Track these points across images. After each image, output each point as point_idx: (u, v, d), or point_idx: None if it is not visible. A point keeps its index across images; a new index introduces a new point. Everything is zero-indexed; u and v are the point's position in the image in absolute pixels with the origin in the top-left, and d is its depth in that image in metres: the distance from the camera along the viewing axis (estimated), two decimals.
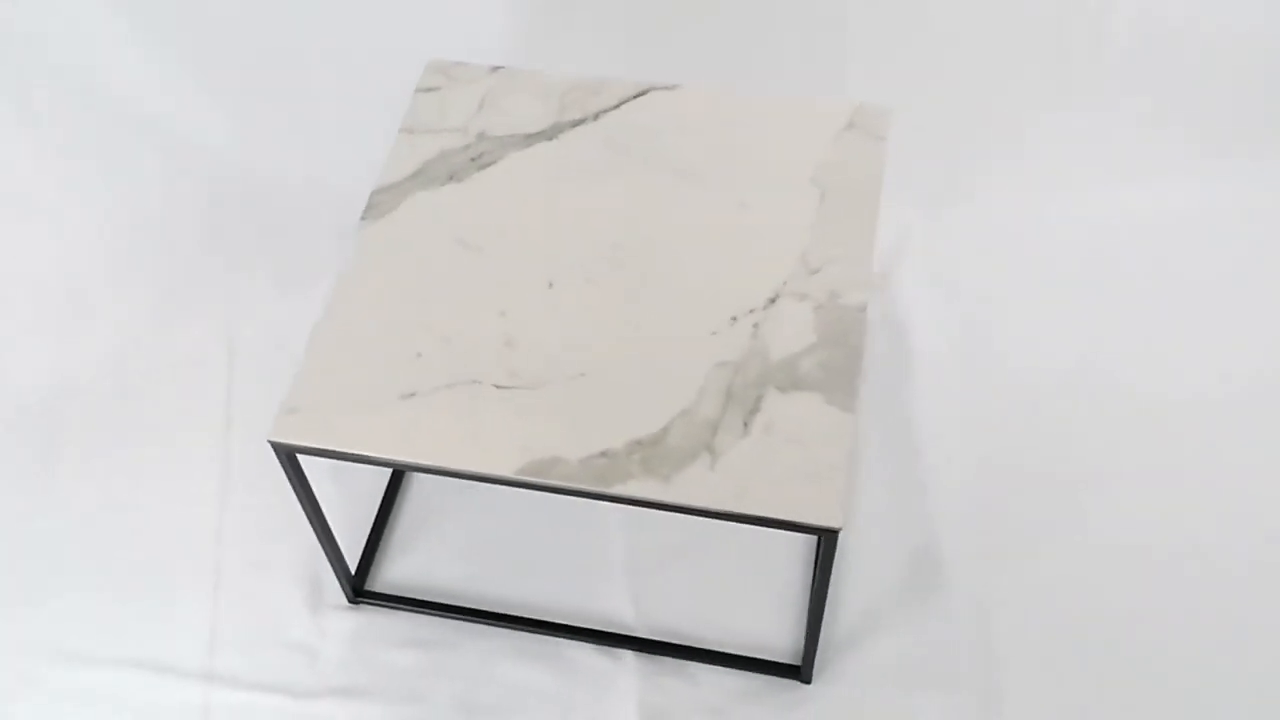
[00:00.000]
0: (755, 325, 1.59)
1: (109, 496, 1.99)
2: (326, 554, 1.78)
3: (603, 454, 1.49)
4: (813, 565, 1.88)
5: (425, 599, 1.87)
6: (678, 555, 1.90)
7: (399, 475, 2.00)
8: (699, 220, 1.69)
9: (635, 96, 1.84)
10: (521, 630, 1.84)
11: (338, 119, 2.14)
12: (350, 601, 1.88)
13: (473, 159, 1.78)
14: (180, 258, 2.18)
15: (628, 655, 1.81)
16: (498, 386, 1.55)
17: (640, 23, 2.16)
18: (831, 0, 2.19)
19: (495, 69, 1.88)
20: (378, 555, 1.93)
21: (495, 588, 1.88)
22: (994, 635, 1.80)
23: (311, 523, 1.70)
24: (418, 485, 2.00)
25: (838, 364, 1.55)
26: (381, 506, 1.96)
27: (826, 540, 1.46)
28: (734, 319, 1.60)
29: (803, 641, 1.77)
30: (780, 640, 1.81)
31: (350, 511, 1.94)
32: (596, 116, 1.82)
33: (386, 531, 1.95)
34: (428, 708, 1.77)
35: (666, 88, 1.85)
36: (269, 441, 1.52)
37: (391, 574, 1.91)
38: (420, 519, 1.96)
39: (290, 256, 2.16)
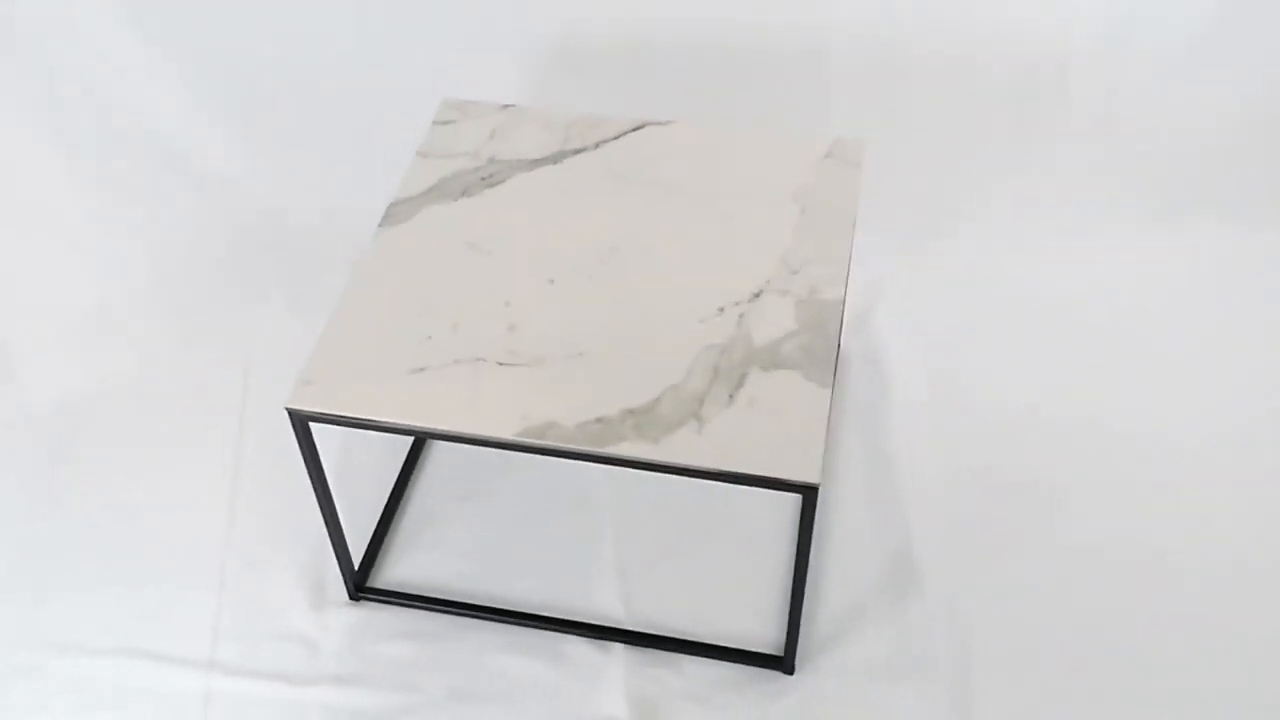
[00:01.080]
0: (741, 315, 1.72)
1: (123, 500, 2.08)
2: (331, 539, 1.86)
3: (597, 420, 1.60)
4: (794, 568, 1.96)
5: (424, 595, 1.94)
6: (667, 556, 1.98)
7: (404, 479, 2.10)
8: (689, 229, 1.84)
9: (633, 130, 2.01)
10: (515, 624, 1.91)
11: (355, 157, 2.31)
12: (351, 598, 1.95)
13: (483, 178, 1.94)
14: (202, 283, 2.32)
15: (617, 648, 1.88)
16: (500, 364, 1.67)
17: (639, 69, 2.35)
18: (816, 66, 2.39)
19: (505, 106, 2.06)
20: (380, 555, 2.01)
21: (492, 586, 1.96)
22: (967, 632, 1.88)
23: (319, 502, 1.80)
24: (421, 491, 2.10)
25: (816, 347, 1.68)
26: (385, 510, 2.05)
27: (806, 498, 1.56)
28: (721, 310, 1.73)
29: (796, 639, 1.84)
30: (765, 634, 1.88)
31: (354, 515, 2.03)
32: (597, 145, 1.99)
33: (390, 534, 2.04)
34: (422, 696, 1.83)
35: (661, 123, 2.02)
36: (285, 409, 1.63)
37: (392, 573, 1.98)
38: (422, 522, 2.05)
39: (305, 284, 2.31)
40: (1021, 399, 2.20)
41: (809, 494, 1.55)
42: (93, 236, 2.38)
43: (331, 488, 1.99)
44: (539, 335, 1.70)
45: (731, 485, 1.56)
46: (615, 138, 2.00)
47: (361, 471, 2.11)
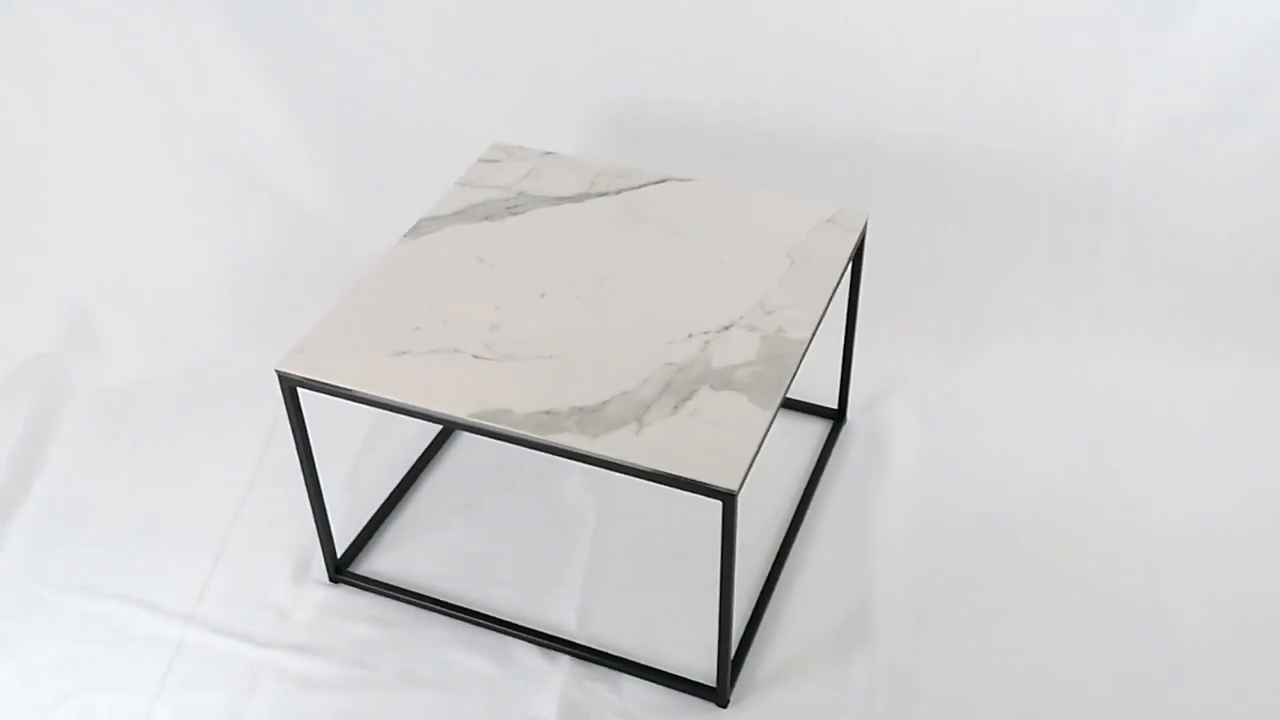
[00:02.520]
0: (706, 342, 1.82)
1: (156, 472, 2.28)
2: (314, 515, 2.00)
3: (546, 412, 1.71)
4: (752, 607, 2.00)
5: (397, 586, 2.05)
6: (635, 582, 2.05)
7: (410, 478, 2.24)
8: (681, 268, 1.96)
9: (656, 183, 2.15)
10: (473, 623, 1.99)
11: (422, 194, 2.51)
12: (330, 579, 2.07)
13: (508, 207, 2.10)
14: (269, 295, 2.55)
15: (564, 659, 1.94)
16: (474, 356, 1.80)
17: (699, 145, 2.51)
18: (862, 158, 2.50)
19: (547, 153, 2.23)
20: (368, 545, 2.13)
21: (463, 588, 2.05)
22: (910, 695, 1.87)
23: (304, 474, 1.94)
24: (424, 493, 2.23)
25: (768, 376, 1.76)
26: (382, 507, 2.18)
27: (726, 505, 1.62)
28: (690, 336, 1.83)
29: (728, 665, 1.86)
30: (709, 666, 1.91)
31: (359, 502, 2.20)
32: (619, 192, 2.14)
33: (381, 529, 2.16)
34: (371, 674, 1.92)
35: (683, 180, 2.16)
36: (275, 370, 1.79)
37: (376, 563, 2.10)
38: (416, 523, 2.17)
39: None
40: (1016, 489, 2.20)
41: (728, 500, 1.61)
42: (187, 241, 2.64)
43: (347, 474, 2.19)
44: (517, 338, 1.83)
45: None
46: (637, 187, 2.14)
47: (378, 464, 2.27)
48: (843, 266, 1.97)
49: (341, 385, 1.77)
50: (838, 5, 2.37)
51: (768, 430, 1.69)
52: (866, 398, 2.38)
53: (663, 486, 1.64)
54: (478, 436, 2.34)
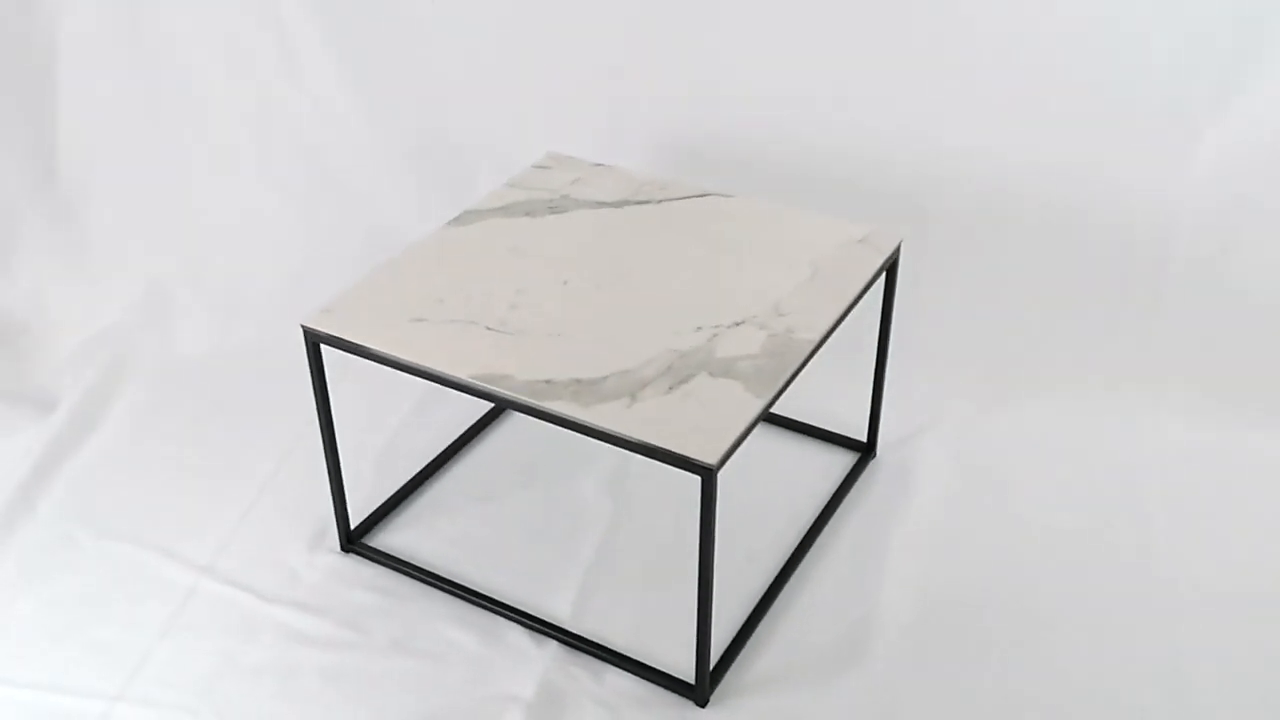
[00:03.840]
0: (714, 335, 1.84)
1: (203, 439, 2.39)
2: (330, 480, 2.06)
3: (545, 381, 1.75)
4: (748, 614, 1.98)
5: (404, 560, 2.09)
6: (637, 582, 2.06)
7: (433, 467, 2.30)
8: (703, 271, 1.99)
9: (697, 196, 2.21)
10: (471, 603, 2.02)
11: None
12: (342, 548, 2.13)
13: (550, 207, 2.18)
14: (330, 279, 2.66)
15: (553, 645, 1.95)
16: (488, 328, 1.86)
17: (744, 162, 2.56)
18: (917, 204, 2.51)
19: (598, 165, 2.31)
20: (385, 522, 2.19)
21: (468, 570, 2.08)
22: (899, 710, 1.82)
23: (323, 434, 2.01)
24: (452, 477, 2.28)
25: (768, 369, 1.77)
26: (406, 485, 2.24)
27: (705, 480, 1.63)
28: (699, 328, 1.86)
29: (710, 665, 1.85)
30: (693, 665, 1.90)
31: (379, 482, 2.26)
32: (659, 202, 2.19)
33: (402, 507, 2.22)
34: (364, 637, 1.96)
35: (725, 195, 2.21)
36: (300, 326, 1.88)
37: (389, 539, 2.15)
38: (433, 507, 2.22)
39: None
40: (1041, 539, 2.14)
41: (707, 476, 1.62)
42: (262, 226, 2.79)
43: (381, 450, 2.33)
44: (532, 317, 1.88)
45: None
46: (679, 198, 2.20)
47: (411, 446, 2.35)
48: (866, 281, 1.98)
49: (358, 342, 1.84)
50: (907, 46, 2.40)
51: (758, 418, 1.70)
52: (902, 434, 2.36)
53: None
54: (513, 430, 2.39)
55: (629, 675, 1.90)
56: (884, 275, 2.11)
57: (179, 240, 2.79)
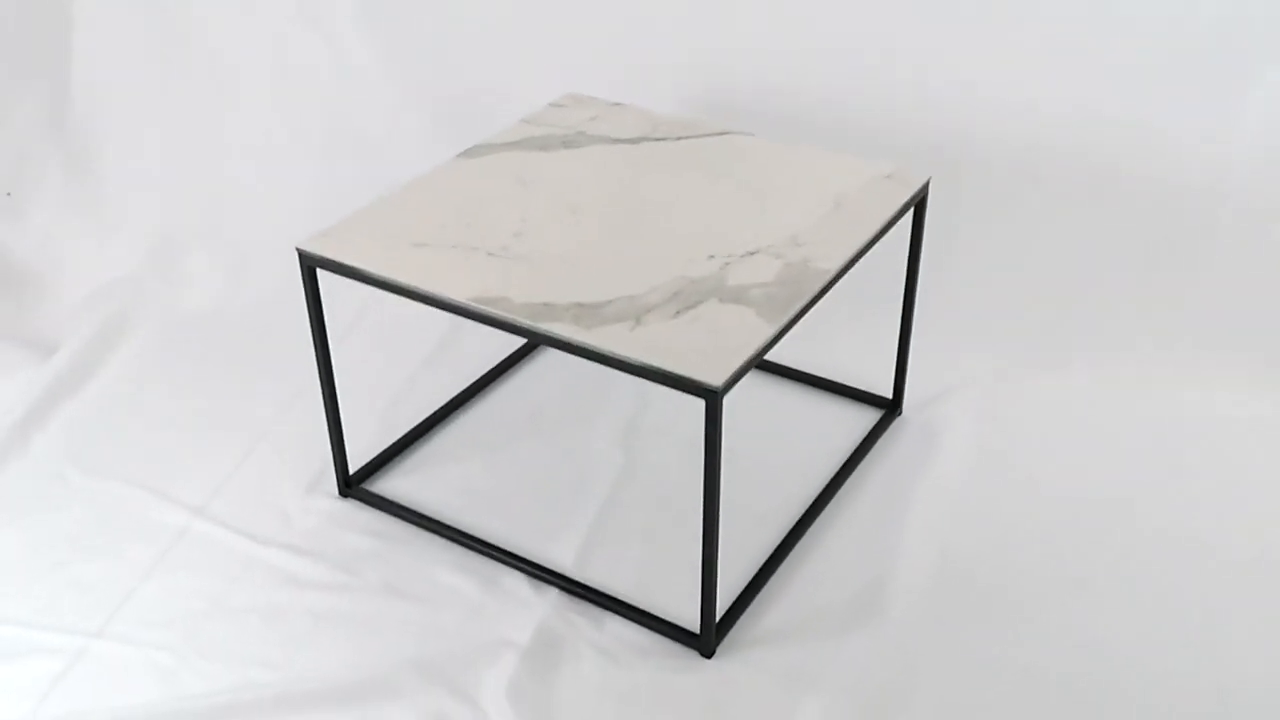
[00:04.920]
0: (726, 263, 1.74)
1: (207, 388, 2.31)
2: (328, 420, 1.98)
3: (545, 304, 1.66)
4: (759, 567, 1.87)
5: (403, 505, 2.00)
6: (643, 533, 1.96)
7: (442, 414, 2.21)
8: (722, 204, 1.89)
9: (716, 134, 2.11)
10: (470, 548, 1.92)
11: None
12: (340, 493, 2.04)
13: (564, 142, 2.09)
14: None
15: (553, 593, 1.85)
16: (489, 254, 1.77)
17: (776, 110, 2.46)
18: (956, 160, 2.39)
19: (616, 104, 2.22)
20: (389, 468, 2.10)
21: (471, 517, 1.98)
22: (908, 682, 1.71)
23: (319, 367, 1.93)
24: (462, 424, 2.20)
25: (780, 296, 1.67)
26: (410, 434, 2.16)
27: (709, 403, 1.53)
28: (712, 257, 1.76)
29: (715, 614, 1.74)
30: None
31: (385, 427, 2.18)
32: (679, 139, 2.09)
33: (405, 455, 2.13)
34: (356, 580, 1.87)
35: (746, 134, 2.11)
36: (295, 248, 1.80)
37: (391, 485, 2.06)
38: (440, 454, 2.14)
39: None
40: (1062, 494, 2.02)
41: (711, 399, 1.52)
42: (277, 181, 2.72)
43: (392, 396, 2.27)
44: (536, 243, 1.79)
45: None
46: (699, 136, 2.10)
47: (424, 392, 2.27)
48: (890, 215, 1.87)
49: (354, 265, 1.76)
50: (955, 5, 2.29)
51: (768, 344, 1.60)
52: (931, 394, 2.24)
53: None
54: (523, 381, 2.30)
55: (632, 624, 1.80)
56: (912, 217, 2.00)
57: (192, 193, 2.73)
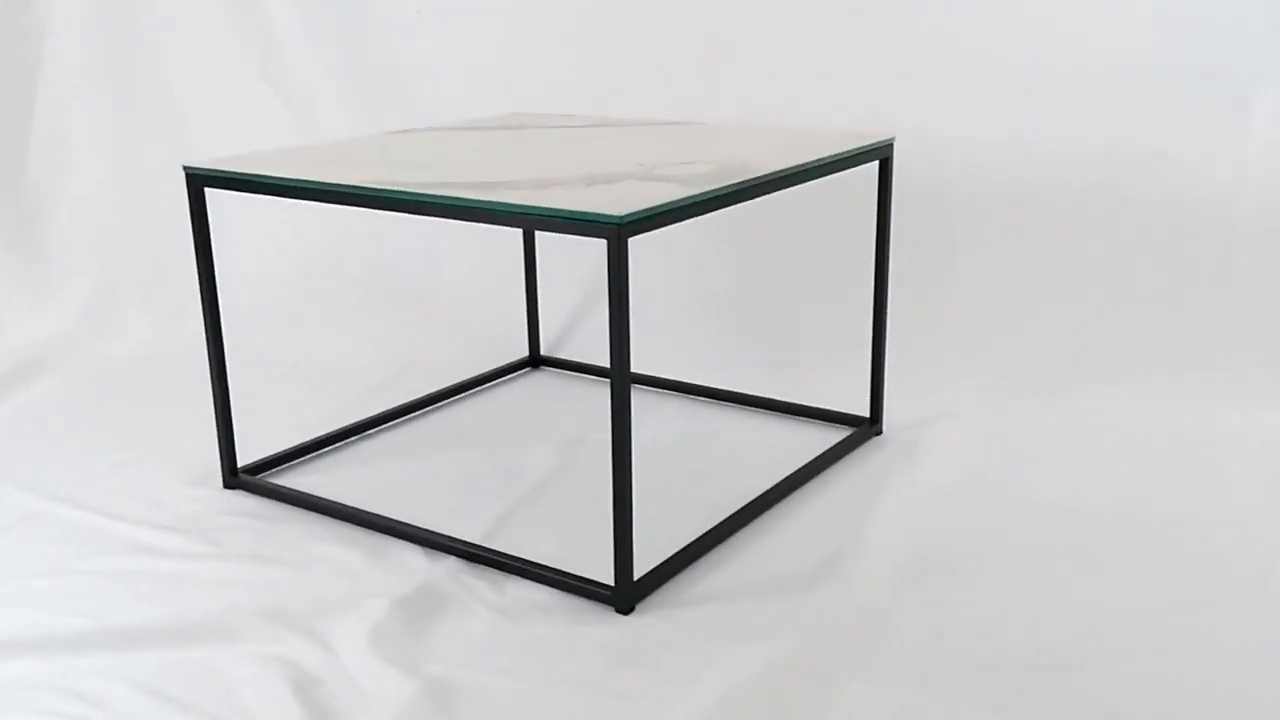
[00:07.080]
0: (655, 166, 1.56)
1: (108, 417, 2.12)
2: (215, 406, 1.77)
3: (445, 183, 1.47)
4: (696, 538, 1.57)
5: (294, 491, 1.74)
6: (564, 513, 1.68)
7: (369, 425, 2.01)
8: (669, 141, 1.74)
9: (666, 124, 1.97)
10: (356, 525, 1.65)
11: None
12: (225, 484, 1.79)
13: (503, 124, 1.97)
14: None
15: (450, 560, 1.55)
16: (393, 164, 1.61)
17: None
18: (961, 190, 2.24)
19: (566, 115, 2.11)
20: (297, 465, 1.87)
21: (370, 505, 1.71)
22: (838, 631, 1.38)
23: (209, 345, 1.73)
24: (371, 442, 1.97)
25: (706, 175, 1.49)
26: (334, 435, 1.95)
27: (611, 241, 1.30)
28: (639, 164, 1.58)
29: (632, 566, 1.43)
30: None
31: (310, 428, 1.98)
32: (623, 126, 1.96)
33: (323, 455, 1.91)
34: (216, 550, 1.61)
35: (702, 124, 1.98)
36: (182, 167, 1.65)
37: (294, 479, 1.81)
38: (356, 457, 1.91)
39: None
40: (1048, 498, 1.72)
41: (613, 237, 1.30)
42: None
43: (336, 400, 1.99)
44: (453, 160, 1.64)
45: None
46: (642, 124, 1.97)
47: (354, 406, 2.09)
48: (839, 151, 1.68)
49: (251, 173, 1.59)
50: (975, 30, 2.20)
51: (682, 201, 1.39)
52: (920, 418, 1.99)
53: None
54: (461, 410, 2.07)
55: (539, 587, 1.49)
56: (878, 173, 1.82)
57: (131, 249, 2.62)
